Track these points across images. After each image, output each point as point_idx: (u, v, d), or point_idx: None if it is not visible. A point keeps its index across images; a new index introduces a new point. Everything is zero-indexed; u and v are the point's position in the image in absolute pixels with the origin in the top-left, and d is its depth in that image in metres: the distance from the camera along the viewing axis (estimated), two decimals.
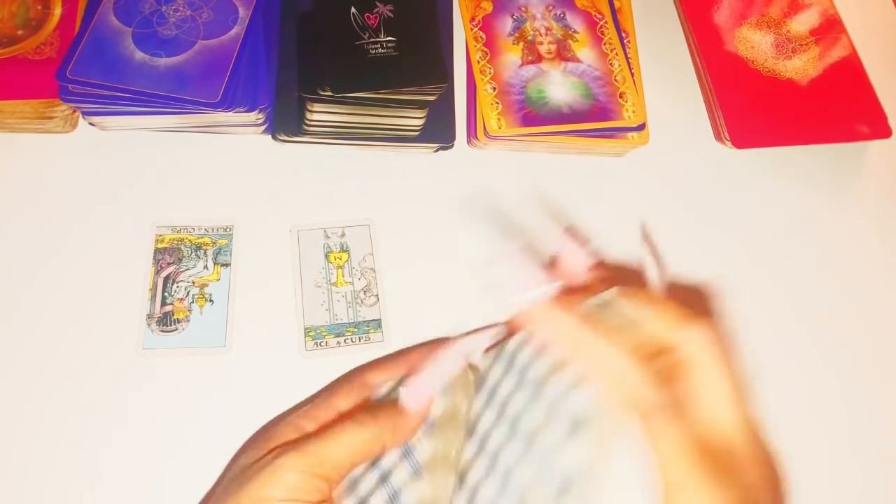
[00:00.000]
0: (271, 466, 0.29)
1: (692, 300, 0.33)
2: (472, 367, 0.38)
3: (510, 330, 0.34)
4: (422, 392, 0.33)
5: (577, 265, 0.31)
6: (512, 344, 0.34)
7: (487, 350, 0.37)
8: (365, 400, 0.36)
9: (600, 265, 0.32)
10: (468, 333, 0.36)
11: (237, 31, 0.49)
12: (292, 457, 0.30)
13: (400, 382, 0.35)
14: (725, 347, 0.27)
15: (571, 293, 0.31)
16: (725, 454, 0.25)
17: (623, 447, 0.26)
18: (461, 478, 0.33)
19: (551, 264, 0.32)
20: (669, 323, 0.28)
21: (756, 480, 0.25)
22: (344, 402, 0.35)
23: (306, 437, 0.31)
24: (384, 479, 0.34)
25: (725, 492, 0.24)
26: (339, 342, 0.44)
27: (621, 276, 0.33)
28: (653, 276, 0.32)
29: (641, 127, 0.52)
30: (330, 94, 0.45)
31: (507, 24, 0.55)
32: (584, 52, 0.54)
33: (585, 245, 0.32)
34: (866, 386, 0.47)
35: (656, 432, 0.25)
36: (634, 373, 0.26)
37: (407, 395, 0.33)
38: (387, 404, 0.33)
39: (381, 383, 0.36)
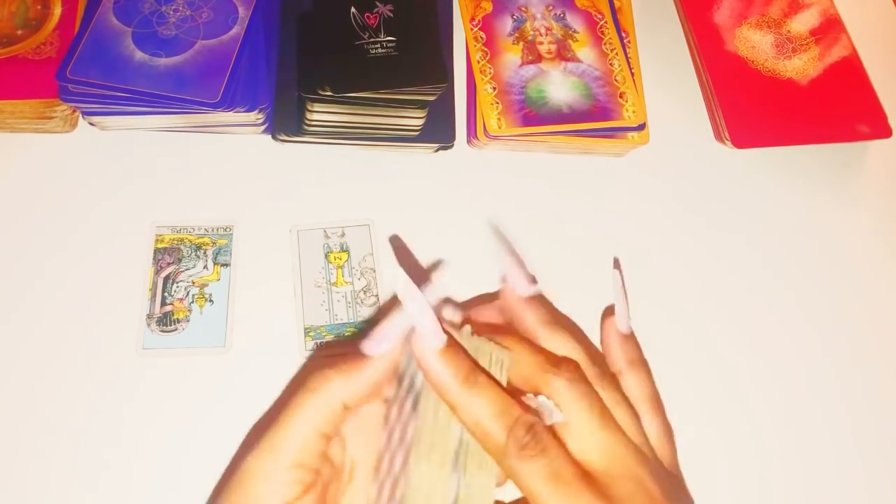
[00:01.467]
0: (236, 475, 0.27)
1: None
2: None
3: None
4: (381, 339, 0.29)
5: (519, 290, 0.32)
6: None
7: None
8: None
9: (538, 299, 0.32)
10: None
11: (237, 31, 0.49)
12: (250, 457, 0.27)
13: None
14: (581, 386, 0.28)
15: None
16: (601, 476, 0.27)
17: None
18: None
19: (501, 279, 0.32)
20: (534, 370, 0.29)
21: (632, 494, 0.26)
22: None
23: (264, 431, 0.28)
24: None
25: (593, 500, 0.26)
26: None
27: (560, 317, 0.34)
28: (620, 310, 0.33)
29: (641, 127, 0.52)
30: (330, 94, 0.45)
31: (507, 23, 0.55)
32: (584, 52, 0.54)
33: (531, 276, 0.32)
34: (868, 384, 0.47)
35: (514, 468, 0.26)
36: (488, 415, 0.27)
37: (366, 345, 0.29)
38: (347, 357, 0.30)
39: None
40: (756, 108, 0.55)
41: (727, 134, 0.54)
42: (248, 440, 0.39)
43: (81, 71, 0.46)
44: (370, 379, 0.29)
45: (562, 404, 0.28)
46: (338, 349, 0.42)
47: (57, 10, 0.50)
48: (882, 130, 0.56)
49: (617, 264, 0.48)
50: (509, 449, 0.26)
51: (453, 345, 0.28)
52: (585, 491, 0.26)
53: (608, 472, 0.27)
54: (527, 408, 0.28)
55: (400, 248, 0.47)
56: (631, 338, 0.33)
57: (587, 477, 0.26)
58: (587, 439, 0.27)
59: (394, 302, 0.34)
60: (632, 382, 0.31)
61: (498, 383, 0.28)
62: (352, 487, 0.30)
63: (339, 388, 0.28)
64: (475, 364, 0.28)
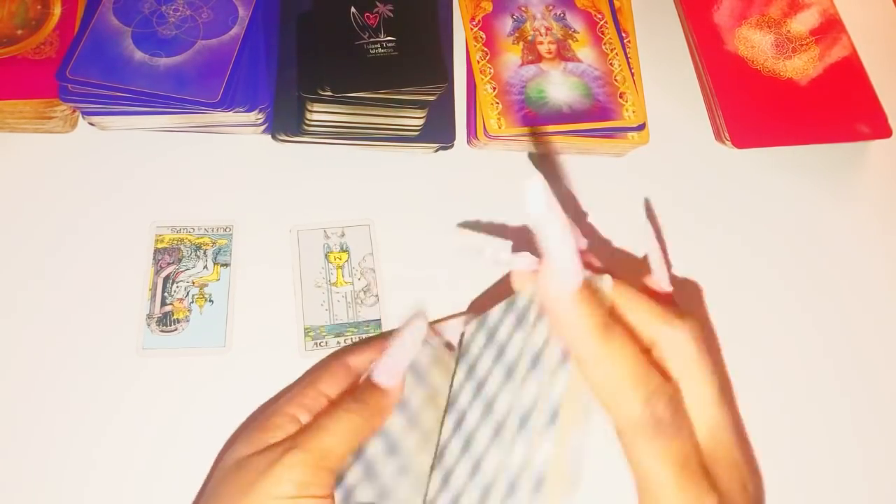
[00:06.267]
0: (279, 465, 0.30)
1: (676, 296, 0.32)
2: (449, 345, 0.39)
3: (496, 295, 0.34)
4: (392, 368, 0.34)
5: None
6: (495, 315, 0.34)
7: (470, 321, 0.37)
8: (350, 385, 0.36)
9: (588, 253, 0.32)
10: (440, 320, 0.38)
11: (237, 31, 0.49)
12: (298, 454, 0.30)
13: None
14: (705, 347, 0.26)
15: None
16: (706, 459, 0.25)
17: (592, 446, 0.25)
18: (439, 455, 0.34)
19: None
20: (653, 319, 0.27)
21: (731, 483, 0.25)
22: (329, 387, 0.35)
23: (304, 431, 0.32)
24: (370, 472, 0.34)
25: (704, 498, 0.23)
26: (339, 342, 0.44)
27: (613, 267, 0.33)
28: (655, 258, 0.32)
29: (641, 127, 0.52)
30: (330, 94, 0.45)
31: (507, 23, 0.55)
32: (584, 52, 0.54)
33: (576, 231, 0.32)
34: (869, 383, 0.47)
35: (640, 444, 0.24)
36: (625, 378, 0.24)
37: (379, 374, 0.34)
38: (366, 387, 0.34)
39: (360, 366, 0.37)
40: (756, 108, 0.55)
41: (727, 134, 0.54)
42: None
43: (81, 71, 0.46)
44: (389, 407, 0.34)
45: (676, 363, 0.25)
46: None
47: (57, 10, 0.50)
48: (882, 130, 0.56)
49: (648, 207, 0.45)
50: (642, 423, 0.23)
51: (588, 286, 0.25)
52: (703, 482, 0.23)
53: (711, 455, 0.24)
54: (664, 372, 0.25)
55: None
56: (671, 296, 0.30)
57: (704, 465, 0.24)
58: (700, 412, 0.25)
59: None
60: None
61: (633, 338, 0.25)
62: None
63: (373, 417, 0.33)
64: (610, 312, 0.25)
